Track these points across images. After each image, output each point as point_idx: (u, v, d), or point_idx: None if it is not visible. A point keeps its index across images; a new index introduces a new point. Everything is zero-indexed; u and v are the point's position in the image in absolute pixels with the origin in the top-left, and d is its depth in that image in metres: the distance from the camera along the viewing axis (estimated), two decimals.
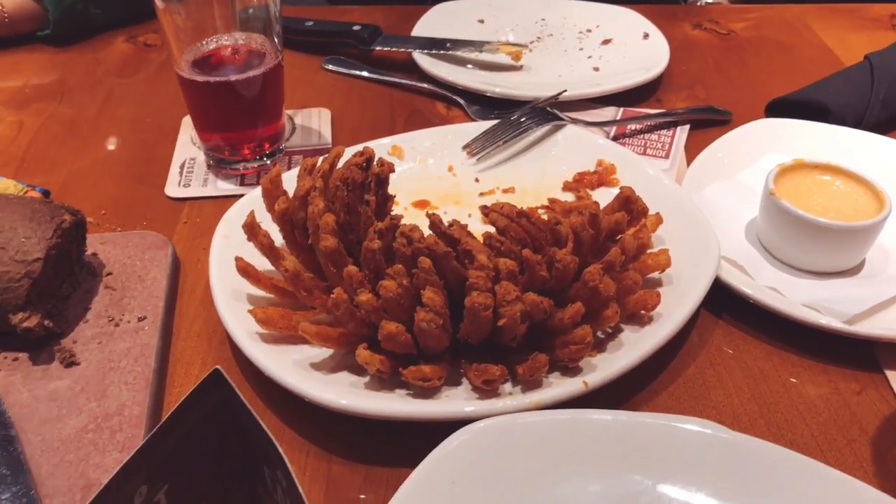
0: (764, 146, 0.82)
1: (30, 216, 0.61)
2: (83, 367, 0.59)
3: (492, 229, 0.58)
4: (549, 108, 0.86)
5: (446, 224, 0.56)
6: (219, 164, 0.82)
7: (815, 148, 0.81)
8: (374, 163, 0.61)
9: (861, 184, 0.69)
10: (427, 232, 0.56)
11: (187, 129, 0.89)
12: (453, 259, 0.54)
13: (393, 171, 0.62)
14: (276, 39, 0.79)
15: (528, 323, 0.55)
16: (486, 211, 0.58)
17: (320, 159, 0.64)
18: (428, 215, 0.56)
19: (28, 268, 0.58)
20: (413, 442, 0.52)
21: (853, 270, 0.68)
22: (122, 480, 0.40)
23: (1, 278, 0.57)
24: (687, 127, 0.89)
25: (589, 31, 1.09)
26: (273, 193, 0.64)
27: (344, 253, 0.57)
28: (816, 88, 0.90)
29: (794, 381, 0.61)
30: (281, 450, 0.40)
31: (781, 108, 0.90)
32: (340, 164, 0.63)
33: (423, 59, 0.98)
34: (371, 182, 0.60)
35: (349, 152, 0.65)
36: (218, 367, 0.44)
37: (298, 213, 0.61)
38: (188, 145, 0.87)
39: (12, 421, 0.54)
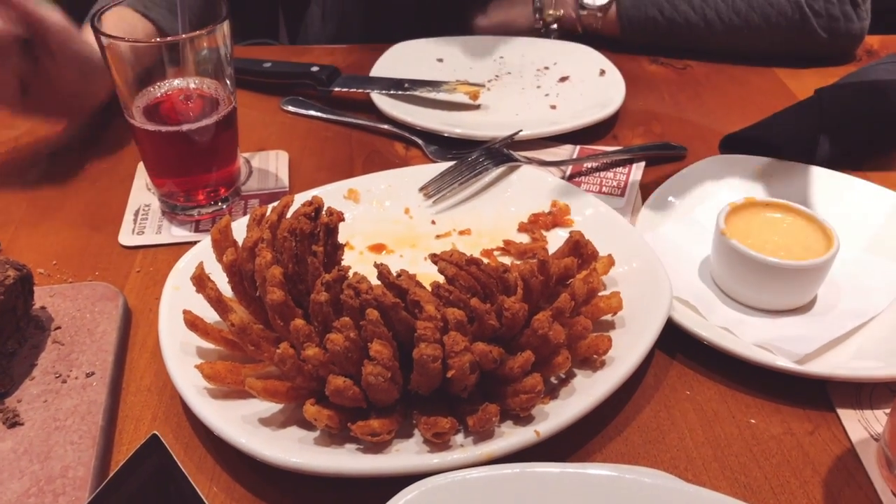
0: (717, 183, 0.83)
1: None
2: (27, 427, 0.58)
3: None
4: (504, 149, 0.87)
5: (395, 274, 0.56)
6: (173, 211, 0.81)
7: (766, 184, 0.82)
8: (323, 212, 0.61)
9: (810, 221, 0.70)
10: (376, 282, 0.56)
11: (142, 175, 0.88)
12: (402, 310, 0.54)
13: (342, 220, 0.61)
14: (228, 83, 0.79)
15: (479, 373, 0.54)
16: (434, 259, 0.58)
17: (269, 209, 0.64)
18: (376, 265, 0.56)
19: None
20: (365, 497, 0.51)
21: (805, 308, 0.68)
22: None
23: None
24: (642, 164, 0.90)
25: (546, 68, 1.10)
26: (222, 244, 0.63)
27: (292, 305, 0.57)
28: (768, 124, 0.91)
29: (749, 421, 0.61)
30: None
31: (735, 143, 0.91)
32: (290, 213, 0.63)
33: (381, 100, 0.99)
34: (320, 232, 0.60)
35: (300, 199, 0.65)
36: (155, 432, 0.43)
37: (247, 265, 0.60)
38: (143, 191, 0.86)
39: None
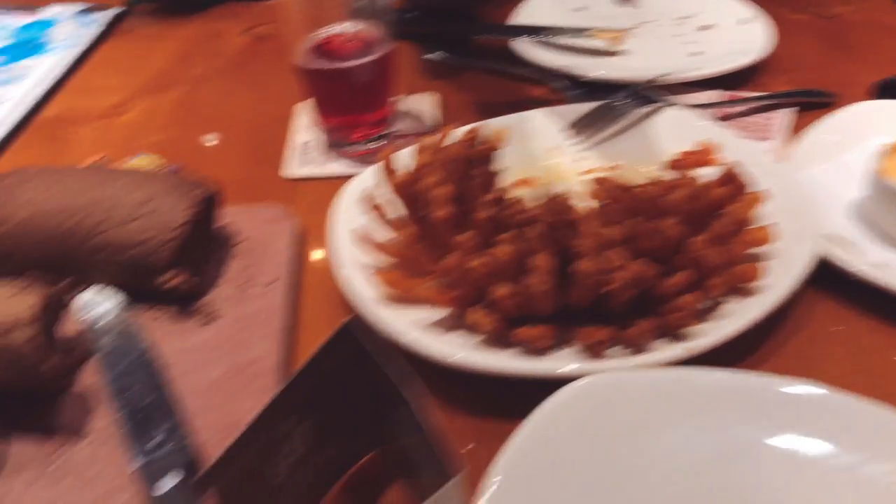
0: (870, 128, 0.81)
1: (172, 189, 0.67)
2: (218, 325, 0.65)
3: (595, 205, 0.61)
4: (649, 91, 0.88)
5: (554, 196, 0.59)
6: (333, 147, 0.88)
7: None
8: (482, 140, 0.65)
9: None
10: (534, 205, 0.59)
11: (303, 115, 0.95)
12: (562, 228, 0.57)
13: (499, 147, 0.65)
14: (387, 28, 0.83)
15: (635, 290, 0.57)
16: (592, 185, 0.61)
17: (433, 137, 0.68)
18: (535, 186, 0.59)
19: (174, 233, 0.64)
20: (521, 399, 0.55)
21: None
22: (272, 411, 0.45)
23: (150, 242, 0.64)
24: (790, 110, 0.89)
25: (687, 17, 1.10)
26: (390, 169, 0.68)
27: (458, 222, 0.61)
28: None
29: None
30: (413, 391, 0.45)
31: (889, 89, 0.89)
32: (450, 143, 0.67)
33: (523, 46, 1.01)
34: (479, 158, 0.64)
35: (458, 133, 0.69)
36: (349, 318, 0.49)
37: (415, 186, 0.65)
38: (303, 130, 0.93)
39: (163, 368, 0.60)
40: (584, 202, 0.61)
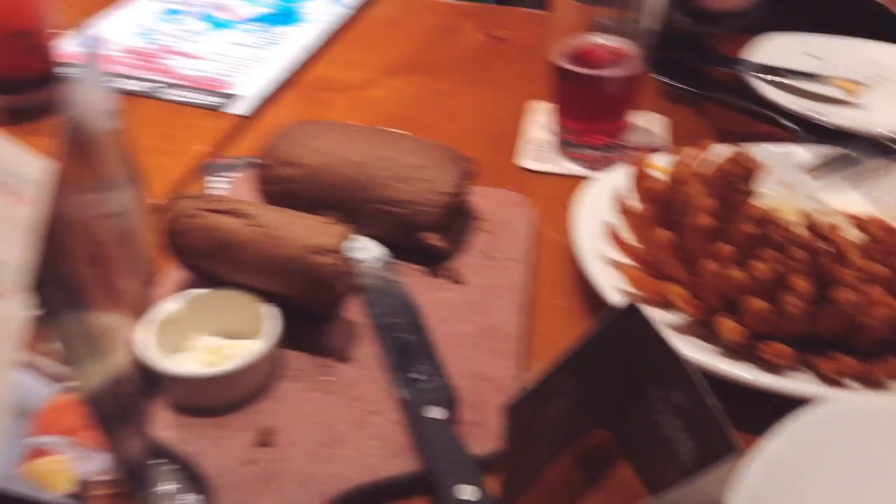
0: None
1: (445, 159, 0.74)
2: (467, 287, 0.71)
3: None
4: (889, 145, 0.88)
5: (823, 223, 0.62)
6: (566, 147, 0.93)
7: None
8: (749, 160, 0.68)
9: None
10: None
11: (535, 113, 1.01)
12: (826, 257, 0.59)
13: (761, 171, 0.68)
14: (643, 48, 0.87)
15: (891, 330, 0.59)
16: (856, 221, 0.63)
17: (694, 150, 0.72)
18: (803, 215, 0.62)
19: (443, 198, 0.71)
20: (751, 412, 0.57)
21: None
22: (562, 366, 0.50)
23: (422, 203, 0.71)
24: None
25: None
26: (644, 174, 0.72)
27: (713, 235, 0.65)
28: None
29: None
30: (691, 370, 0.48)
31: None
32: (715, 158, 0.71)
33: (757, 83, 1.03)
34: (744, 176, 0.67)
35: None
36: (634, 302, 0.53)
37: (670, 194, 0.68)
38: (537, 127, 0.98)
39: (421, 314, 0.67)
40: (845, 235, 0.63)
